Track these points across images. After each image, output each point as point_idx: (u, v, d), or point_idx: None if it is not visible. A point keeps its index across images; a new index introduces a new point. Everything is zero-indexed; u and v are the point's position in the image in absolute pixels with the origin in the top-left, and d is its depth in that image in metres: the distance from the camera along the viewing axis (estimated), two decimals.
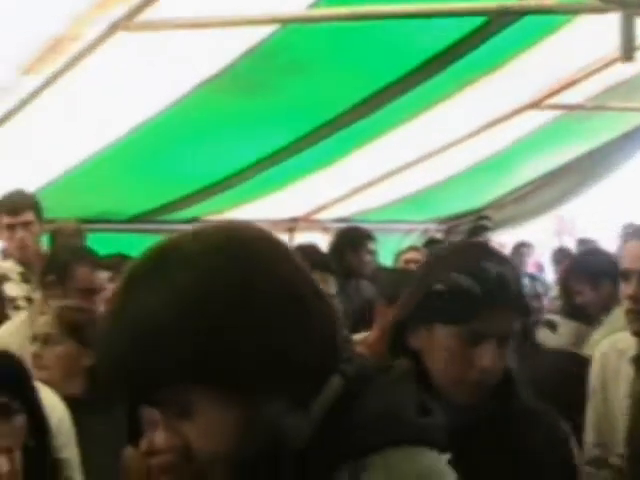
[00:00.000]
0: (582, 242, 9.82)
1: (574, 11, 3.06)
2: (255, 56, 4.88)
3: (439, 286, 1.91)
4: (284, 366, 1.18)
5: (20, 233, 4.55)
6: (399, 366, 1.88)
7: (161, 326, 1.17)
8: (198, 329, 1.17)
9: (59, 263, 4.08)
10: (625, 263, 2.88)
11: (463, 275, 1.88)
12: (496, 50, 5.81)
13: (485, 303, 1.87)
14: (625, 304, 2.84)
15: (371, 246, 6.05)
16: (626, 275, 2.84)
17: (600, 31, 4.50)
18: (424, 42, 5.46)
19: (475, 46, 5.62)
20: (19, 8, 4.07)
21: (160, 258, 1.23)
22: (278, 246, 1.28)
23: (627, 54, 2.63)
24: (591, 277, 4.69)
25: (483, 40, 5.57)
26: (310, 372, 1.21)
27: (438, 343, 1.91)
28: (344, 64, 5.31)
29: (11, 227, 4.57)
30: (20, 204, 4.58)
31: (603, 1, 2.52)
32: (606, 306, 4.36)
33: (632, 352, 2.79)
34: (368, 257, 5.99)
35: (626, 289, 2.82)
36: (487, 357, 1.87)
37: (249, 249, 1.23)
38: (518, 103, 7.16)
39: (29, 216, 4.57)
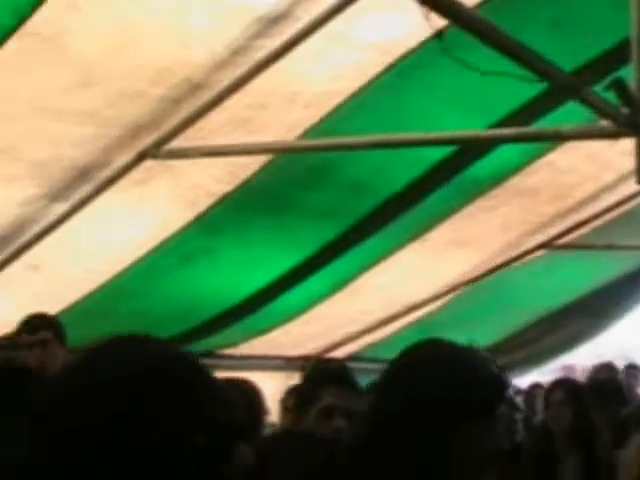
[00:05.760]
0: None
1: (587, 137, 3.16)
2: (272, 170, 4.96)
3: None
4: None
5: (38, 352, 4.55)
6: None
7: None
8: None
9: None
10: None
11: None
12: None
13: None
14: None
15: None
16: None
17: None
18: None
19: None
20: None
21: None
22: None
23: None
24: None
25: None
26: None
27: None
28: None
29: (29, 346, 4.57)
30: (37, 323, 4.61)
31: (619, 126, 2.63)
32: None
33: None
34: None
35: None
36: None
37: None
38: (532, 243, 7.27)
39: (46, 334, 4.58)
